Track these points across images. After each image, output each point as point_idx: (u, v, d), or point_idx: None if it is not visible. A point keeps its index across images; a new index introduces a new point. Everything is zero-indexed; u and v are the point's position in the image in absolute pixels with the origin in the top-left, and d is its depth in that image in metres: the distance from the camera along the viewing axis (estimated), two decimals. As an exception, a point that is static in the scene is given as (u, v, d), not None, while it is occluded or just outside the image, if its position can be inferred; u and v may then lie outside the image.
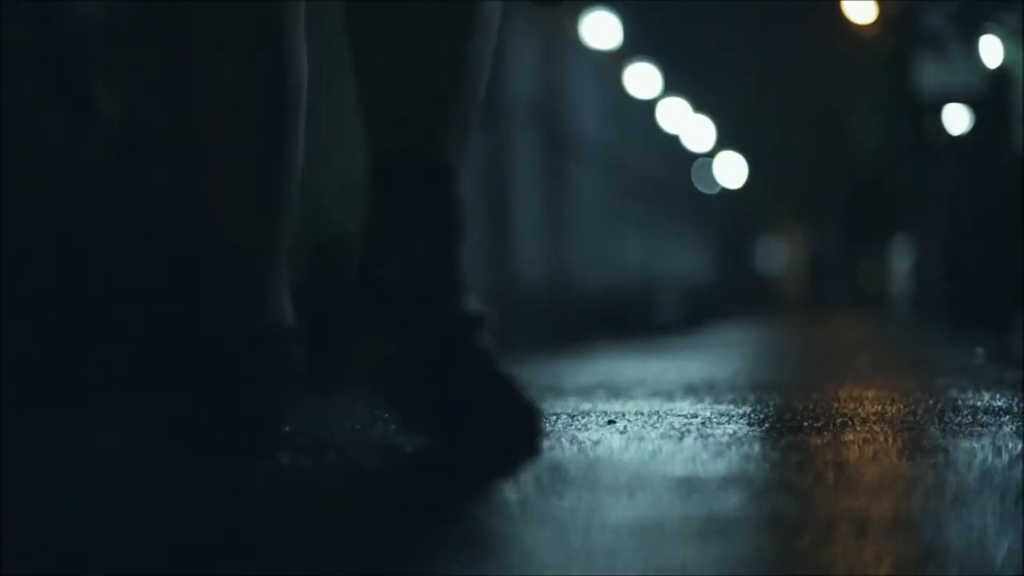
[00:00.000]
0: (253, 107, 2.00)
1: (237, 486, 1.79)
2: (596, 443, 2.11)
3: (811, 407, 2.68)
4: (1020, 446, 1.95)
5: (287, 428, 2.18)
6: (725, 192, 30.99)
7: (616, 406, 2.71)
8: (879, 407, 2.65)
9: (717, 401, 2.77)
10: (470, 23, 1.97)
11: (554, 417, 2.60)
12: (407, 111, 1.94)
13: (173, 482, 1.88)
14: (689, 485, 1.68)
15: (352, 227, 5.39)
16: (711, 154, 28.21)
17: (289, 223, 2.05)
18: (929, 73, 11.46)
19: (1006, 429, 2.15)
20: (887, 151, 21.90)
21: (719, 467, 1.83)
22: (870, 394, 2.95)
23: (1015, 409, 2.48)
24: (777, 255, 38.98)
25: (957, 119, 11.18)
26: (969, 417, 2.35)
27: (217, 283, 1.99)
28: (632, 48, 17.02)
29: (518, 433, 1.97)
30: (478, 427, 1.95)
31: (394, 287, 1.90)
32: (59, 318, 3.33)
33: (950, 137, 11.24)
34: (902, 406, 2.66)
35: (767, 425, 2.36)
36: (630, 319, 14.20)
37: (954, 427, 2.21)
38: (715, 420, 2.39)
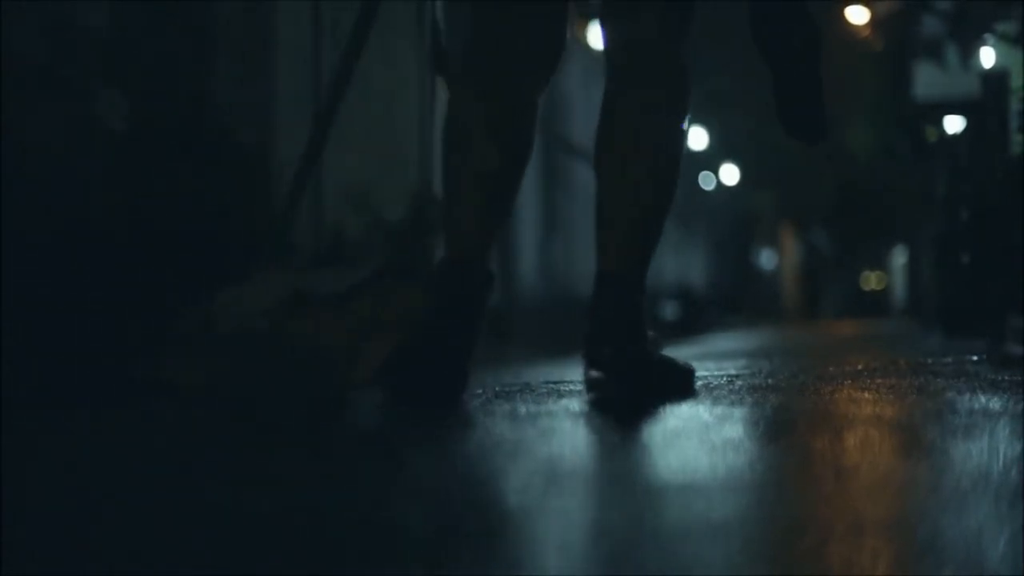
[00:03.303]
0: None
1: (239, 485, 1.80)
2: (595, 444, 2.12)
3: (808, 409, 2.69)
4: (1016, 448, 1.96)
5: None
6: (722, 188, 30.89)
7: (615, 407, 2.72)
8: (876, 409, 2.67)
9: (715, 403, 2.78)
10: (674, 177, 3.23)
11: (551, 419, 2.62)
12: (628, 248, 3.19)
13: (176, 481, 1.89)
14: (688, 486, 1.70)
15: (349, 225, 5.39)
16: (707, 160, 28.17)
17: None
18: (924, 78, 11.48)
19: (1002, 431, 2.16)
20: (882, 155, 21.91)
21: (717, 468, 1.84)
22: (867, 396, 2.96)
23: (1011, 411, 2.49)
24: (775, 259, 38.88)
25: (952, 123, 11.20)
26: (965, 419, 2.36)
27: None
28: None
29: (681, 383, 3.08)
30: (659, 383, 3.06)
31: (610, 357, 3.07)
32: (58, 320, 3.33)
33: (945, 141, 11.25)
34: (899, 408, 2.67)
35: (764, 427, 2.38)
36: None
37: (950, 429, 2.23)
38: (713, 422, 2.39)
